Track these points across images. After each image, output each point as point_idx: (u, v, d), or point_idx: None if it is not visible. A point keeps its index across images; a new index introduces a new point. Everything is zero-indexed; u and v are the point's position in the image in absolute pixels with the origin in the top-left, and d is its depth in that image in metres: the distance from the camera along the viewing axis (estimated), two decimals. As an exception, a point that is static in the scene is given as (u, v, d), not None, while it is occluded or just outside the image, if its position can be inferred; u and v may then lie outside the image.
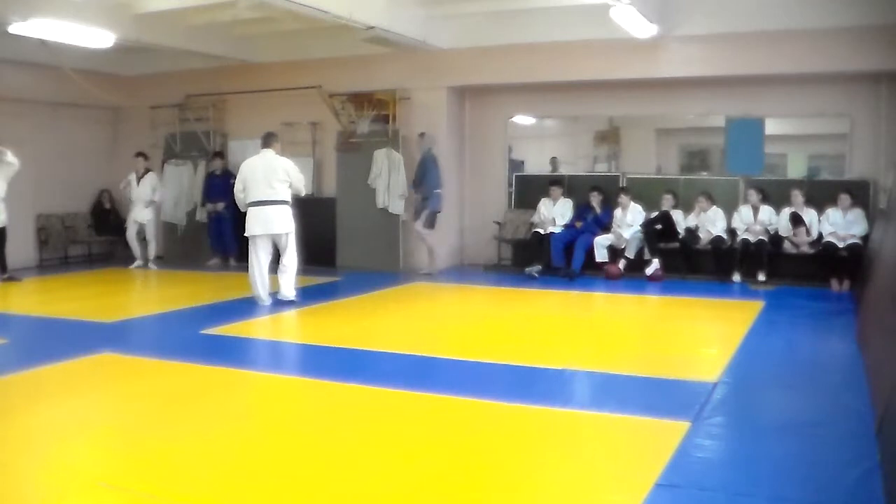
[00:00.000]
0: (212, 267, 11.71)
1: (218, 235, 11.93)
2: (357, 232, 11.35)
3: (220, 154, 12.04)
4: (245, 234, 8.27)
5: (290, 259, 8.29)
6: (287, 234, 8.23)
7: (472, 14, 10.50)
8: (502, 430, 4.38)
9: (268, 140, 8.41)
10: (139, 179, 11.64)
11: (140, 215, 11.61)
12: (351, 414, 4.73)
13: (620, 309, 8.83)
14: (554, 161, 12.00)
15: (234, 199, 8.54)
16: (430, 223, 10.60)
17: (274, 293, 8.29)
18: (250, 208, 8.16)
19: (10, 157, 9.82)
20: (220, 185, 11.69)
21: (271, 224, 8.13)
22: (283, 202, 8.18)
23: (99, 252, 12.91)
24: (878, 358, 4.96)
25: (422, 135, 10.81)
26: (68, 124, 12.37)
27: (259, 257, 8.20)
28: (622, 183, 10.95)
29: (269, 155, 8.28)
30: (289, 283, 8.28)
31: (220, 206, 11.65)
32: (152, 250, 11.78)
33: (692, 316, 8.19)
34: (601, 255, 10.30)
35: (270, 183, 8.08)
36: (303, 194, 8.72)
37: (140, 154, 11.80)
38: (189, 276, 11.02)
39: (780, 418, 4.62)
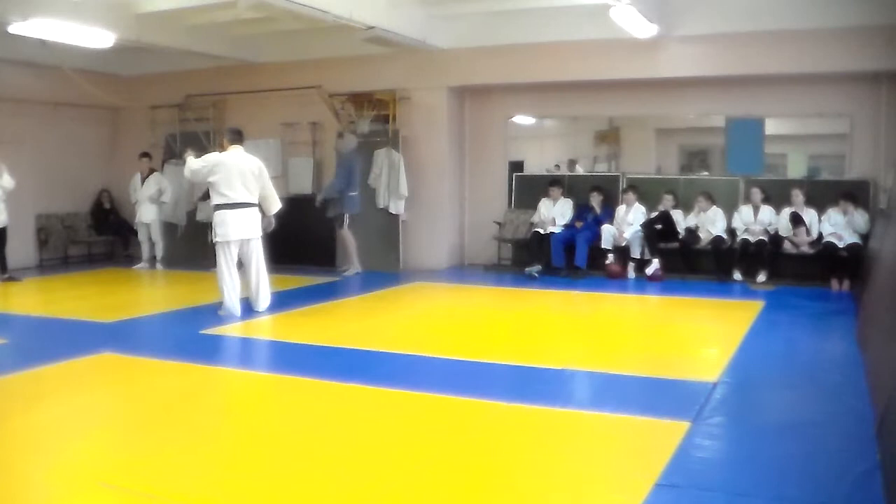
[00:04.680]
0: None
1: None
2: (357, 232, 11.34)
3: None
4: (217, 240, 7.64)
5: (264, 265, 7.90)
6: (257, 238, 7.81)
7: (472, 14, 10.51)
8: (502, 430, 4.38)
9: (239, 137, 7.86)
10: (143, 180, 11.66)
11: (145, 216, 11.62)
12: (351, 414, 4.73)
13: (620, 309, 8.83)
14: (571, 163, 11.97)
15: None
16: (342, 223, 10.69)
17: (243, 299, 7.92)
18: (224, 211, 7.58)
19: (6, 178, 9.81)
20: None
21: (246, 229, 7.67)
22: (255, 205, 7.74)
23: (99, 252, 12.91)
24: (878, 358, 4.96)
25: (340, 135, 10.81)
26: (68, 124, 12.37)
27: (232, 265, 7.69)
28: (622, 183, 10.95)
29: (240, 153, 7.73)
30: (266, 292, 7.92)
31: None
32: (159, 250, 11.79)
33: (692, 316, 8.19)
34: (607, 242, 10.25)
35: (246, 184, 7.61)
36: (273, 207, 7.94)
37: (145, 154, 11.83)
38: (189, 277, 11.02)
39: (780, 418, 4.62)
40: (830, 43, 9.19)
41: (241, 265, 7.89)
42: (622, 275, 10.20)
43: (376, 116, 11.30)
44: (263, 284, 7.91)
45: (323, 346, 6.47)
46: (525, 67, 10.67)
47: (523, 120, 12.01)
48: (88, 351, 6.14)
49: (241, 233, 7.66)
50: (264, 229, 7.93)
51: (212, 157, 7.74)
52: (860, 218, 9.37)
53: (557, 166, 11.98)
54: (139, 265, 11.71)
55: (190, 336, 6.88)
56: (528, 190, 11.38)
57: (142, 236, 11.79)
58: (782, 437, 4.17)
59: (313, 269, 11.08)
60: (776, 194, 9.90)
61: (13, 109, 11.23)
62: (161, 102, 12.52)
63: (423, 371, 5.79)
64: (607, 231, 10.30)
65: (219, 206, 7.62)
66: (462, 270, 11.45)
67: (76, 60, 10.69)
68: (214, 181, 7.58)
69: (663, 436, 4.12)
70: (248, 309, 7.87)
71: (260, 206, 7.85)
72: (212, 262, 11.30)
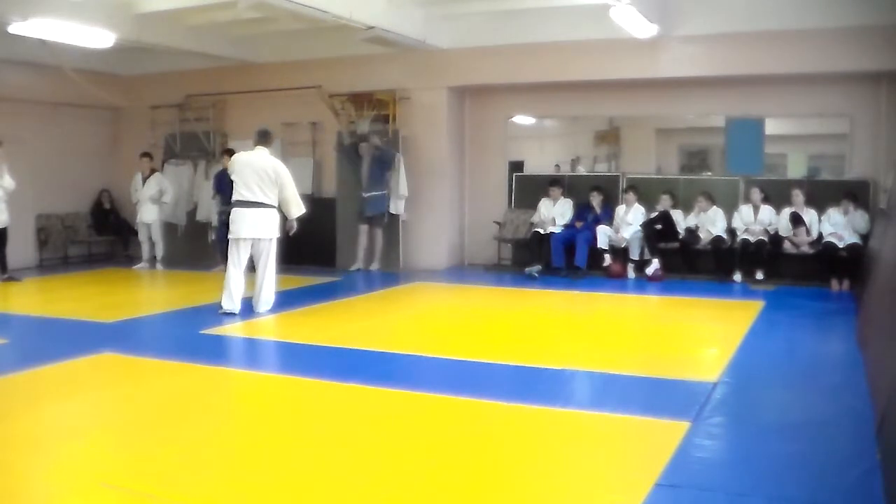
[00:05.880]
0: (218, 273, 11.29)
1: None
2: (356, 232, 11.34)
3: (232, 151, 11.64)
4: (229, 236, 7.77)
5: (272, 268, 7.89)
6: (270, 239, 7.80)
7: (472, 14, 10.51)
8: (502, 430, 4.38)
9: (263, 138, 7.87)
10: (144, 180, 11.66)
11: (146, 216, 11.62)
12: (351, 414, 4.73)
13: (620, 309, 8.83)
14: (574, 162, 11.97)
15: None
16: (382, 222, 10.96)
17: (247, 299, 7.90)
18: (237, 209, 7.70)
19: (7, 178, 9.82)
20: (232, 184, 11.51)
21: (257, 228, 7.68)
22: (271, 206, 7.73)
23: (99, 252, 12.90)
24: (878, 358, 4.96)
25: (365, 139, 10.97)
26: (68, 124, 12.37)
27: (238, 263, 7.71)
28: (622, 183, 10.96)
29: (262, 154, 7.78)
30: (269, 295, 7.91)
31: None
32: (159, 250, 11.79)
33: (692, 316, 8.19)
34: (602, 242, 10.28)
35: (262, 185, 7.62)
36: (295, 211, 7.86)
37: (145, 154, 11.83)
38: (189, 277, 11.02)
39: (780, 418, 4.62)
40: (830, 43, 9.19)
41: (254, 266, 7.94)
42: (622, 275, 10.20)
43: (376, 116, 11.30)
44: (267, 287, 7.89)
45: (323, 346, 6.47)
46: (525, 67, 10.67)
47: (523, 120, 12.01)
48: (88, 351, 6.14)
49: (250, 232, 7.71)
50: (287, 231, 7.97)
51: (235, 156, 8.01)
52: (860, 218, 9.38)
53: (557, 166, 11.98)
54: (139, 265, 11.71)
55: (190, 336, 6.87)
56: (528, 190, 11.37)
57: (142, 236, 11.79)
58: (782, 437, 4.17)
59: (314, 269, 11.07)
60: (776, 194, 9.90)
61: (13, 109, 11.21)
62: (161, 102, 12.52)
63: (423, 371, 5.80)
64: (602, 232, 10.30)
65: (235, 204, 7.76)
66: (462, 270, 11.45)
67: (76, 60, 10.68)
68: (234, 179, 7.77)
69: (663, 436, 4.12)
70: (250, 309, 7.87)
71: (282, 209, 7.89)
72: (212, 261, 11.39)
